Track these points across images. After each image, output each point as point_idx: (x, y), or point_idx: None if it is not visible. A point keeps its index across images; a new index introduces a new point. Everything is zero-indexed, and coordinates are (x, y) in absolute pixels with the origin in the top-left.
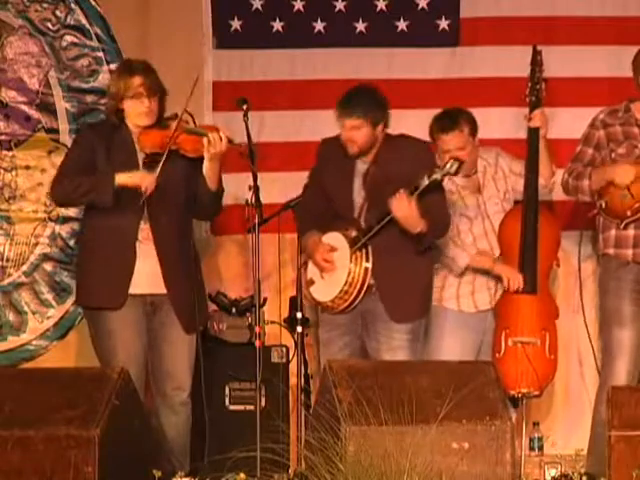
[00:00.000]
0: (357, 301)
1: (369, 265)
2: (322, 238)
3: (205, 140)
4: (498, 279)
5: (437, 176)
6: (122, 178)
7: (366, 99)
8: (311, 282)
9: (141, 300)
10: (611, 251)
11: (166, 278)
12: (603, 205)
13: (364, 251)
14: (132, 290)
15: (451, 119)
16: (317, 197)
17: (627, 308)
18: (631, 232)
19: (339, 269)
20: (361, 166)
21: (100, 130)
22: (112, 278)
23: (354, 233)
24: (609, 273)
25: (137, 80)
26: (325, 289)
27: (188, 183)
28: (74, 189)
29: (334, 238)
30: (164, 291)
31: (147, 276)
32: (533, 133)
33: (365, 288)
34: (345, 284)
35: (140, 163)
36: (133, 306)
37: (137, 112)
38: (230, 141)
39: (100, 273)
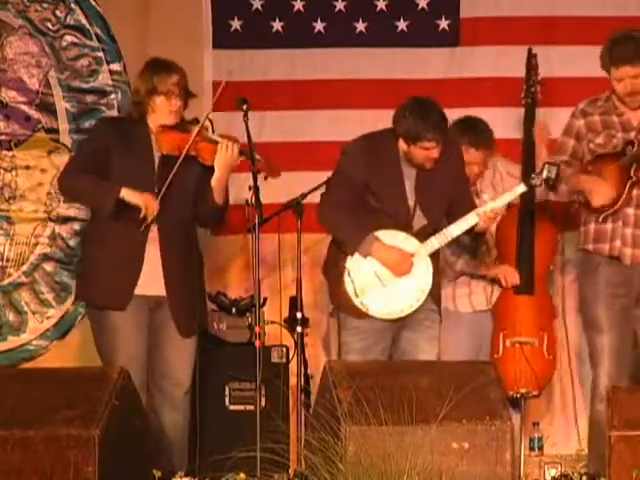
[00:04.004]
0: (419, 307)
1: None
2: (383, 240)
3: (218, 147)
4: (493, 280)
5: (536, 182)
6: (127, 194)
7: (443, 114)
8: (365, 290)
9: (144, 300)
10: (590, 247)
11: (167, 281)
12: (582, 199)
13: (429, 259)
14: (137, 291)
15: (481, 134)
16: (353, 197)
17: (602, 314)
18: (609, 225)
19: (407, 278)
20: (408, 169)
21: (117, 125)
22: (119, 278)
23: (415, 240)
24: (585, 277)
25: (174, 78)
26: (387, 298)
27: (198, 190)
28: (80, 188)
29: (402, 242)
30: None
31: (152, 277)
32: (529, 135)
33: (428, 293)
34: (417, 291)
35: (156, 163)
36: (136, 305)
37: (166, 110)
38: (242, 152)
39: (107, 272)
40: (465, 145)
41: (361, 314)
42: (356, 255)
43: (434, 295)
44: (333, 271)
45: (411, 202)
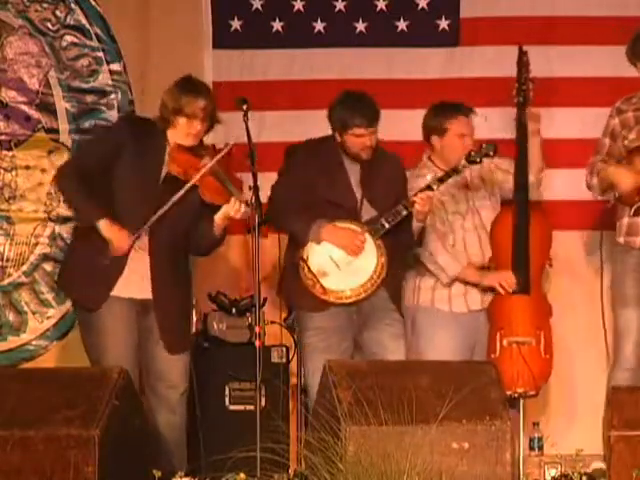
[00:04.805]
0: (375, 290)
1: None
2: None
3: (230, 201)
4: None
5: (476, 158)
6: (104, 226)
7: (374, 103)
8: (323, 274)
9: (132, 303)
10: (622, 239)
11: (154, 288)
12: (616, 194)
13: (381, 241)
14: (123, 294)
15: (459, 105)
16: (299, 197)
17: (630, 290)
18: None
19: (361, 258)
20: (351, 165)
21: (139, 127)
22: (97, 279)
23: (365, 225)
24: (614, 259)
25: (201, 103)
26: (344, 278)
27: (196, 213)
28: (70, 195)
29: (349, 226)
30: None
31: (139, 282)
32: (522, 134)
33: (384, 277)
34: (374, 271)
35: (162, 176)
36: (124, 306)
37: (185, 132)
38: (247, 205)
39: (87, 270)
40: (452, 115)
41: (321, 306)
42: (309, 244)
43: (392, 295)
44: (289, 269)
45: (358, 195)
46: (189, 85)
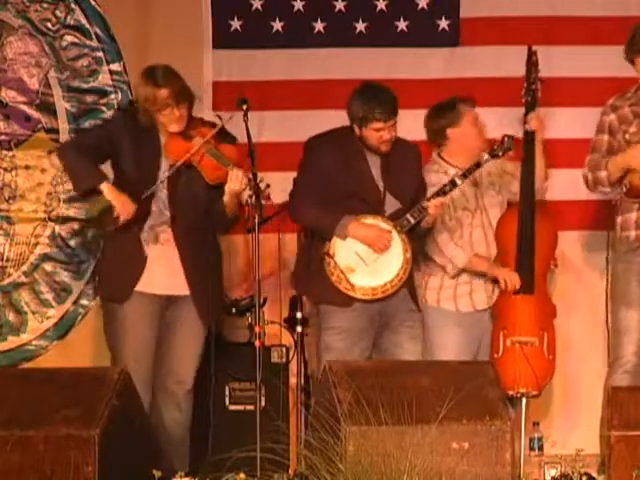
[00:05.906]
0: (402, 286)
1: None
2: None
3: (229, 175)
4: (494, 281)
5: (498, 152)
6: (106, 189)
7: (392, 95)
8: (350, 270)
9: (157, 298)
10: (632, 233)
11: (189, 280)
12: (624, 189)
13: (406, 237)
14: (149, 290)
15: (459, 99)
16: (322, 190)
17: (634, 289)
18: None
19: (387, 253)
20: (372, 157)
21: (134, 123)
22: (121, 273)
23: (391, 221)
24: (618, 257)
25: (164, 93)
26: (371, 275)
27: (209, 191)
28: (70, 160)
29: (375, 222)
30: (181, 293)
31: (165, 278)
32: (529, 135)
33: (410, 272)
34: (401, 267)
35: (162, 169)
36: (148, 302)
37: (167, 122)
38: (249, 180)
39: (112, 266)
40: (461, 104)
41: (347, 301)
42: (334, 239)
43: (411, 292)
44: (310, 265)
45: (380, 187)
46: (148, 77)
